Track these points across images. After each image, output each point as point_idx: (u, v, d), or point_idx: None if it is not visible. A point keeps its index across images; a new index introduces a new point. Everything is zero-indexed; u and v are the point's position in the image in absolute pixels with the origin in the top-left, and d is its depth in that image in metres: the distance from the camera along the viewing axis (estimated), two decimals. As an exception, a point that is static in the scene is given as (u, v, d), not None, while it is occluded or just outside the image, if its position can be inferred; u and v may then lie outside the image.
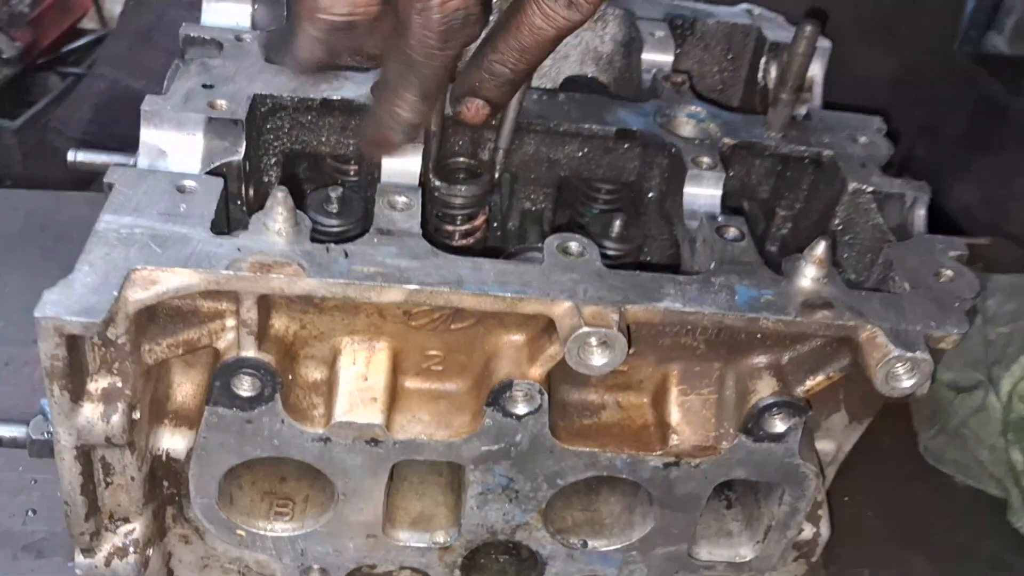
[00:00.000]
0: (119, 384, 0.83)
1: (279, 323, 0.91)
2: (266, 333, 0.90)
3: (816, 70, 1.36)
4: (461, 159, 1.13)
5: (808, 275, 0.93)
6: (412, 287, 0.85)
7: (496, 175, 1.13)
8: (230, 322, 0.88)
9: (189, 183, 0.91)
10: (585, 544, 1.07)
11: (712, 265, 0.94)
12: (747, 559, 1.09)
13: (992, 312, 1.46)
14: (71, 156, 1.19)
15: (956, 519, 1.36)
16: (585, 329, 0.85)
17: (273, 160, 1.13)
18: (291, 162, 1.19)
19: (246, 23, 1.20)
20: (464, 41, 0.85)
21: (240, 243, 0.85)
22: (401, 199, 0.95)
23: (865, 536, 1.33)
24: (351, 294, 0.85)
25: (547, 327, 0.91)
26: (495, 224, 1.23)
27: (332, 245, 0.87)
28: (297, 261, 0.85)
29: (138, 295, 0.80)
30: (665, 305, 0.88)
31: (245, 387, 0.89)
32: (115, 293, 0.78)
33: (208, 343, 0.89)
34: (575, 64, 1.35)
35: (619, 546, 1.07)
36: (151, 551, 0.98)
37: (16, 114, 2.99)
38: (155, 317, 0.86)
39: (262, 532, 1.02)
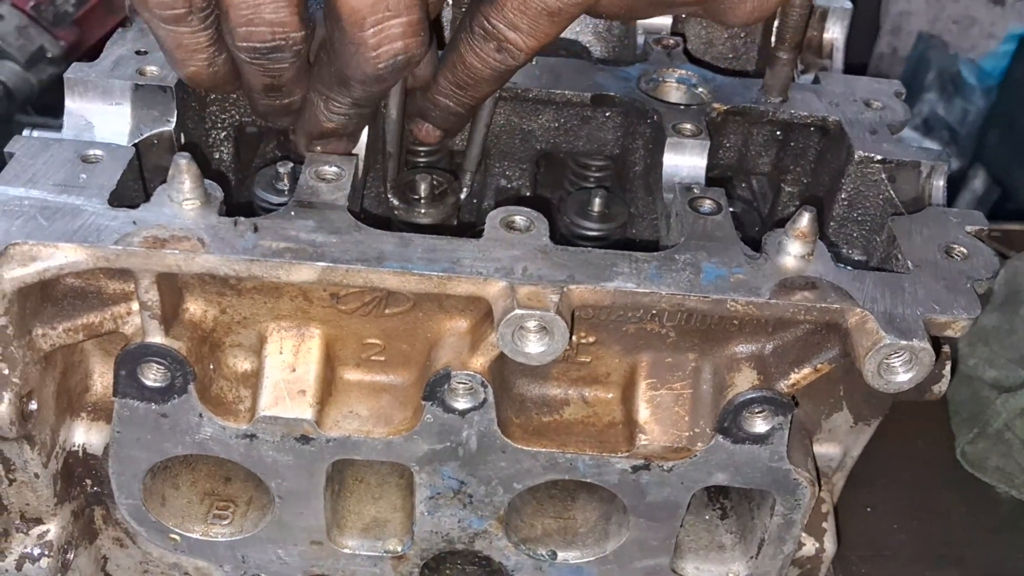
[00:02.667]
0: (5, 371, 0.76)
1: (194, 307, 0.83)
2: (177, 317, 0.81)
3: (836, 33, 1.24)
4: (425, 174, 1.03)
5: (791, 251, 0.80)
6: (324, 264, 0.75)
7: (463, 195, 1.03)
8: (136, 305, 0.80)
9: (95, 152, 0.83)
10: (554, 555, 0.96)
11: (681, 241, 0.82)
12: (740, 576, 0.97)
13: (1044, 303, 1.31)
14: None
15: (996, 534, 1.21)
16: (518, 311, 0.74)
17: (223, 135, 1.04)
18: (255, 139, 1.11)
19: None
20: (401, 76, 0.83)
21: (137, 216, 0.77)
22: (331, 169, 0.85)
23: (891, 552, 1.18)
24: (256, 272, 0.75)
25: (490, 312, 0.80)
26: (474, 201, 1.13)
27: (241, 218, 0.78)
28: (198, 235, 0.76)
29: (15, 272, 0.72)
30: (615, 285, 0.76)
31: (153, 377, 0.81)
32: (-15, 270, 0.70)
33: (113, 328, 0.80)
34: (569, 32, 1.24)
35: (592, 558, 0.96)
36: (72, 555, 0.90)
37: (61, 112, 3.01)
38: (51, 298, 0.78)
39: (198, 536, 0.94)
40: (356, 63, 0.79)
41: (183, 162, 0.77)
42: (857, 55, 1.18)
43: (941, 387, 0.92)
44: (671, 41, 1.10)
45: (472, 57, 0.84)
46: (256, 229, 0.77)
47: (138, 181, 0.86)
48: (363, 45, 0.77)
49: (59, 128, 2.59)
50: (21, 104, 2.96)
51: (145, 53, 0.96)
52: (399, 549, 0.95)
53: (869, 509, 1.19)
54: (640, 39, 1.14)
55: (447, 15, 1.08)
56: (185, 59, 0.80)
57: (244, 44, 0.78)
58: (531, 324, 0.75)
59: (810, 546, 0.98)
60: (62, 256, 0.73)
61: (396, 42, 0.77)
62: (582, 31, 1.24)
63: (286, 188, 0.96)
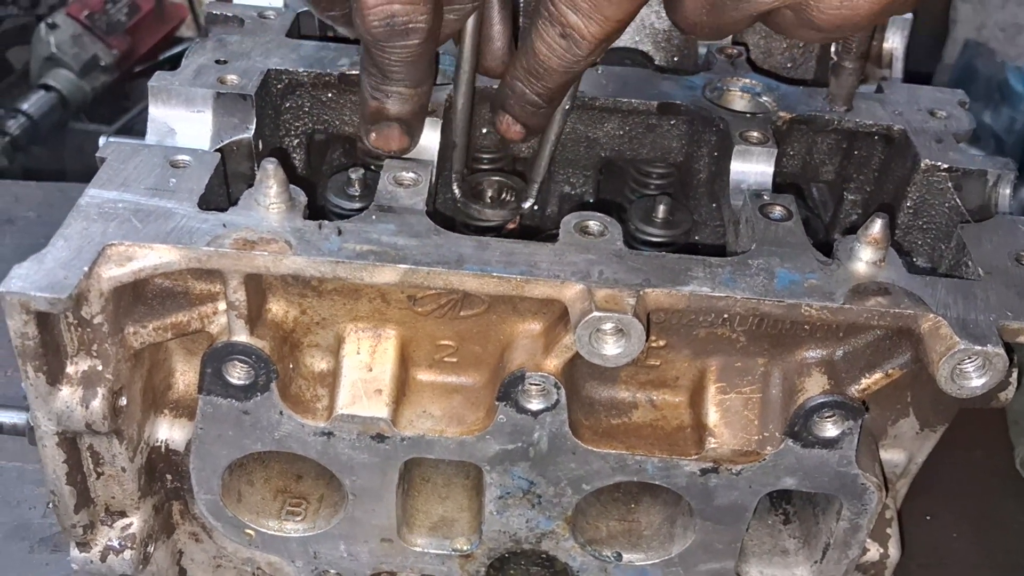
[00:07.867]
0: (99, 367, 0.79)
1: (276, 307, 0.85)
2: (261, 317, 0.84)
3: (896, 43, 1.24)
4: (493, 175, 1.04)
5: (863, 258, 0.81)
6: (406, 267, 0.78)
7: (527, 204, 1.05)
8: (222, 305, 0.82)
9: (183, 157, 0.86)
10: (619, 557, 0.97)
11: (753, 247, 0.84)
12: (803, 581, 0.98)
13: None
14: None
15: (1057, 544, 1.21)
16: (596, 314, 0.76)
17: (296, 141, 1.07)
18: (323, 146, 1.14)
19: (278, 2, 1.16)
20: (409, 46, 0.82)
21: (227, 219, 0.79)
22: (409, 175, 0.88)
23: (951, 560, 1.18)
24: (341, 273, 0.78)
25: (563, 314, 0.82)
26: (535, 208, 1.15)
27: (325, 222, 0.80)
28: (284, 238, 0.78)
29: (112, 272, 0.75)
30: (691, 289, 0.78)
31: (237, 375, 0.83)
32: (85, 269, 0.73)
33: (199, 327, 0.83)
34: (628, 41, 1.26)
35: (657, 560, 0.97)
36: (152, 547, 0.93)
37: (113, 119, 3.07)
38: (141, 297, 0.81)
39: (272, 532, 0.96)
40: (357, 21, 0.80)
41: (271, 167, 0.80)
42: (920, 64, 1.18)
43: (1008, 394, 0.92)
44: (734, 50, 1.11)
45: (540, 43, 0.83)
46: (340, 232, 0.80)
47: (223, 186, 0.89)
48: (358, 1, 0.78)
49: (109, 134, 2.69)
50: (75, 111, 3.02)
51: (225, 62, 0.99)
52: (467, 548, 0.97)
53: (928, 517, 1.19)
54: (702, 49, 1.16)
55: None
56: None
57: None
58: (608, 327, 0.76)
59: (874, 551, 0.98)
60: (156, 257, 0.76)
61: (393, 4, 0.78)
62: (641, 40, 1.26)
63: (357, 193, 0.98)
